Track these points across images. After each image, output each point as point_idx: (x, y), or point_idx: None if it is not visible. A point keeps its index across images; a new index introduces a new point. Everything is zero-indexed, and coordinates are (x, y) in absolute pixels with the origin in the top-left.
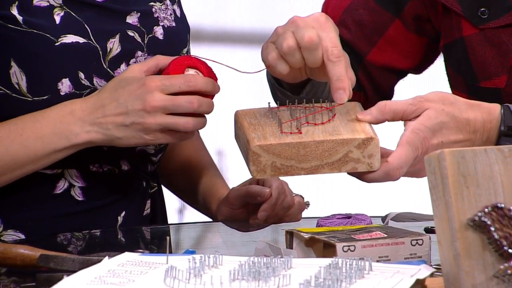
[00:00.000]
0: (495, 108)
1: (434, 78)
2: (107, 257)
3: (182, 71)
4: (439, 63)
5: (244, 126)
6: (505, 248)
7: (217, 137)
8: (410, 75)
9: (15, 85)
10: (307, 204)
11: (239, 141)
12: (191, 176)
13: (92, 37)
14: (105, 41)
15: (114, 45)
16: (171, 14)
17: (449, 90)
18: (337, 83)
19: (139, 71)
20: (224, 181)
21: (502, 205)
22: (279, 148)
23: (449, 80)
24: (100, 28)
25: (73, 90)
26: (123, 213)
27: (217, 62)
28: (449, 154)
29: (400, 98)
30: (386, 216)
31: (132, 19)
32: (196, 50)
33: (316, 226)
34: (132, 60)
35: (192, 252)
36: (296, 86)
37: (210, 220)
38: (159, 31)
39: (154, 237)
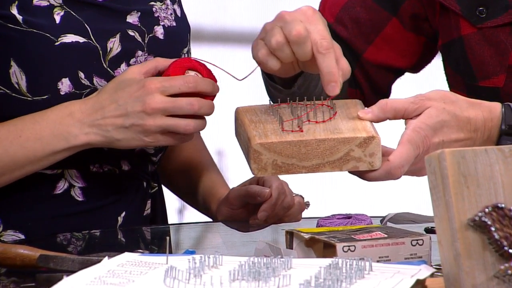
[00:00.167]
0: (496, 107)
1: (433, 77)
2: (107, 257)
3: (182, 73)
4: (438, 62)
5: (245, 123)
6: (506, 248)
7: (217, 137)
8: (408, 74)
9: (15, 85)
10: (307, 204)
11: (239, 138)
12: (191, 176)
13: (92, 37)
14: (105, 40)
15: (114, 45)
16: (171, 14)
17: (447, 89)
18: (328, 76)
19: (138, 73)
20: (224, 181)
21: (503, 205)
22: (280, 146)
23: (447, 79)
24: (100, 27)
25: (73, 90)
26: (123, 213)
27: (215, 65)
28: (449, 154)
29: (398, 97)
30: (384, 217)
31: (132, 18)
32: (196, 50)
33: (316, 226)
34: (133, 60)
35: (192, 252)
36: (288, 80)
37: (210, 220)
38: (159, 31)
39: (154, 237)
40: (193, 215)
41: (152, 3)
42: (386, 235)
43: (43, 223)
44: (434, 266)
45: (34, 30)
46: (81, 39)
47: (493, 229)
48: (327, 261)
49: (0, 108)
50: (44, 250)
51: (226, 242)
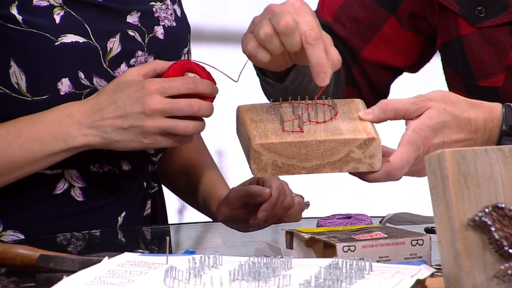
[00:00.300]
0: (497, 107)
1: (432, 77)
2: (106, 257)
3: (181, 75)
4: (437, 62)
5: (246, 123)
6: (506, 248)
7: (217, 137)
8: (407, 74)
9: (14, 85)
10: (307, 204)
11: (240, 137)
12: (191, 176)
13: (92, 37)
14: (105, 40)
15: (114, 45)
16: (171, 14)
17: (446, 89)
18: (317, 67)
19: (137, 75)
20: (224, 181)
21: (503, 205)
22: (281, 147)
23: (446, 79)
24: (100, 27)
25: (73, 90)
26: (124, 213)
27: (213, 67)
28: (449, 154)
29: (397, 97)
30: (383, 218)
31: (132, 18)
32: (196, 50)
33: (316, 226)
34: (133, 60)
35: (192, 252)
36: (280, 75)
37: (210, 220)
38: (159, 31)
39: (154, 237)
40: (193, 215)
41: (152, 3)
42: (386, 235)
43: (43, 223)
44: (434, 266)
45: (34, 30)
46: (81, 39)
47: (493, 229)
48: (327, 261)
49: (0, 108)
50: (44, 250)
51: (226, 242)
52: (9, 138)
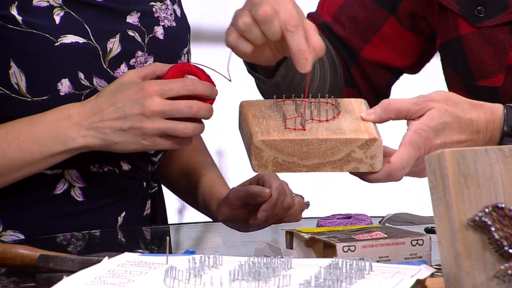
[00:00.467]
0: (498, 108)
1: (432, 77)
2: (106, 257)
3: (181, 78)
4: (436, 62)
5: (248, 119)
6: (506, 248)
7: (217, 137)
8: (406, 74)
9: (14, 86)
10: (307, 204)
11: (242, 132)
12: (191, 177)
13: (92, 37)
14: (105, 41)
15: (114, 45)
16: (171, 14)
17: (446, 90)
18: (298, 54)
19: (136, 77)
20: (224, 181)
21: (503, 205)
22: (282, 144)
23: (446, 79)
24: (100, 28)
25: (73, 91)
26: (123, 213)
27: (211, 68)
28: (449, 154)
29: (397, 97)
30: (383, 218)
31: (132, 18)
32: (196, 50)
33: (316, 226)
34: (132, 60)
35: (192, 252)
36: (272, 71)
37: (210, 220)
38: (159, 31)
39: (154, 237)
40: (193, 215)
41: (152, 3)
42: (386, 235)
43: (43, 223)
44: (434, 266)
45: (34, 31)
46: (81, 40)
47: (493, 229)
48: (327, 261)
49: (0, 109)
50: (44, 250)
51: (226, 242)
52: (8, 139)
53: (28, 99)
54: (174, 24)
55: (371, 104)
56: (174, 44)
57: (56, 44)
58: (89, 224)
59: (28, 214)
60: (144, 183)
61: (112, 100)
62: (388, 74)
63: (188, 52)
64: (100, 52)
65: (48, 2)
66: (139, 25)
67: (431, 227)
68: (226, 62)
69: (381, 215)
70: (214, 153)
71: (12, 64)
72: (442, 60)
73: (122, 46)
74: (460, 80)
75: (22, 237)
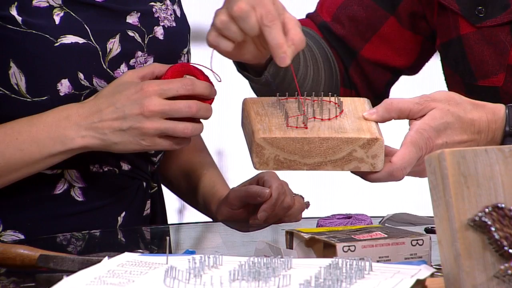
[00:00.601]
0: (500, 109)
1: (431, 77)
2: (106, 257)
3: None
4: (436, 62)
5: (251, 116)
6: (506, 248)
7: (217, 137)
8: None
9: (14, 86)
10: (307, 204)
11: (244, 130)
12: (191, 176)
13: (91, 38)
14: (105, 41)
15: (114, 45)
16: (171, 14)
17: (445, 89)
18: (275, 48)
19: (135, 77)
20: (224, 181)
21: (503, 205)
22: (284, 142)
23: (446, 79)
24: (100, 28)
25: (73, 91)
26: (123, 213)
27: (206, 67)
28: (449, 154)
29: (396, 97)
30: (382, 218)
31: (132, 19)
32: (196, 50)
33: (316, 226)
34: (132, 61)
35: (192, 252)
36: (261, 70)
37: (210, 220)
38: (159, 31)
39: (154, 237)
40: (193, 215)
41: (152, 3)
42: (386, 235)
43: (43, 223)
44: (434, 266)
45: (34, 31)
46: (80, 40)
47: (493, 229)
48: (327, 261)
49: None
50: (44, 250)
51: (226, 242)
52: (7, 140)
53: (28, 100)
54: (174, 24)
55: (371, 104)
56: (174, 44)
57: (56, 44)
58: (89, 224)
59: (28, 214)
60: (144, 183)
61: (111, 100)
62: (387, 73)
63: (188, 52)
64: (100, 53)
65: (48, 2)
66: (139, 25)
67: (431, 227)
68: (227, 62)
69: (381, 215)
70: (214, 153)
71: (12, 64)
72: (442, 60)
73: (122, 46)
74: (460, 80)
75: (22, 237)
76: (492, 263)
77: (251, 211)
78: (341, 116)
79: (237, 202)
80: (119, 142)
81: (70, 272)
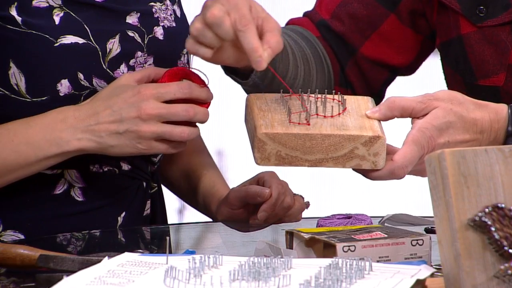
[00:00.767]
0: (503, 108)
1: (431, 77)
2: (106, 257)
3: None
4: (435, 62)
5: (254, 111)
6: (506, 248)
7: (217, 137)
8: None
9: (14, 86)
10: (307, 204)
11: (247, 125)
12: (191, 177)
13: (91, 38)
14: (104, 41)
15: (114, 46)
16: (171, 14)
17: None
18: (251, 52)
19: (131, 80)
20: (224, 181)
21: (503, 205)
22: (285, 137)
23: (446, 79)
24: (100, 28)
25: (73, 91)
26: (123, 213)
27: (203, 73)
28: (449, 154)
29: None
30: (381, 219)
31: (132, 19)
32: None
33: (316, 226)
34: (132, 61)
35: (192, 252)
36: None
37: (210, 220)
38: (159, 31)
39: (154, 237)
40: (193, 215)
41: (152, 3)
42: (386, 235)
43: (43, 223)
44: (434, 266)
45: (33, 31)
46: (80, 40)
47: (493, 229)
48: (327, 261)
49: None
50: (44, 250)
51: (226, 242)
52: (2, 141)
53: (28, 100)
54: (174, 24)
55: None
56: (174, 45)
57: (56, 44)
58: (89, 224)
59: (28, 214)
60: (144, 183)
61: (108, 103)
62: (385, 72)
63: (188, 53)
64: (100, 53)
65: (47, 2)
66: (138, 26)
67: (431, 227)
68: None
69: (381, 215)
70: (214, 153)
71: (11, 64)
72: (442, 59)
73: (121, 47)
74: (461, 80)
75: (22, 237)
76: (492, 263)
77: (251, 211)
78: (344, 113)
79: (237, 202)
80: (115, 145)
81: (70, 272)
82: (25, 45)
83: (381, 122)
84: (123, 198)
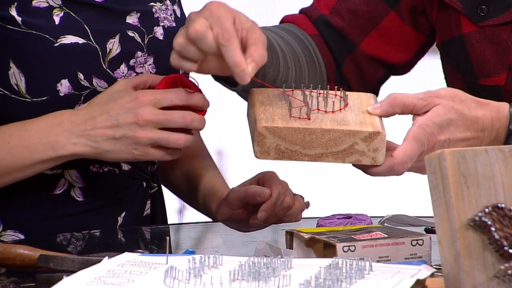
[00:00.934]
0: (504, 107)
1: (431, 76)
2: (106, 257)
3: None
4: (435, 61)
5: (255, 105)
6: (506, 248)
7: (217, 137)
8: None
9: (14, 86)
10: (307, 204)
11: (249, 119)
12: (191, 177)
13: (91, 38)
14: (104, 41)
15: (114, 46)
16: (171, 15)
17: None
18: (233, 66)
19: (128, 86)
20: (224, 181)
21: (503, 205)
22: (285, 131)
23: (446, 78)
24: (100, 28)
25: (73, 91)
26: (123, 213)
27: (197, 83)
28: (449, 154)
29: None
30: (381, 219)
31: (132, 19)
32: None
33: (316, 226)
34: (132, 61)
35: (192, 252)
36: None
37: (210, 220)
38: (159, 32)
39: (154, 237)
40: (193, 215)
41: (152, 3)
42: (386, 235)
43: (43, 223)
44: (434, 266)
45: (33, 31)
46: (80, 40)
47: (493, 229)
48: (327, 261)
49: None
50: (44, 250)
51: (226, 242)
52: None
53: (28, 100)
54: (174, 24)
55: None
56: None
57: (56, 44)
58: (89, 224)
59: (28, 214)
60: (144, 183)
61: (105, 108)
62: (381, 70)
63: None
64: (100, 53)
65: (47, 2)
66: (139, 26)
67: (431, 227)
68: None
69: (381, 215)
70: (214, 153)
71: (11, 64)
72: (442, 58)
73: (121, 47)
74: (462, 79)
75: (22, 237)
76: (492, 263)
77: (251, 211)
78: (345, 109)
79: (237, 202)
80: (111, 151)
81: (70, 272)
82: (25, 45)
83: (383, 118)
84: (123, 198)
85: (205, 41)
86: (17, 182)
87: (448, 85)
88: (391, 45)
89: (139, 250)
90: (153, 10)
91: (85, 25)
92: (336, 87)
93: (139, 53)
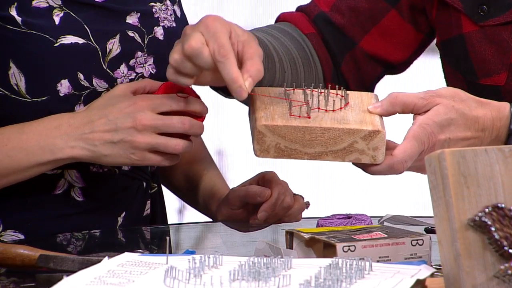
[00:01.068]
0: (505, 107)
1: (430, 76)
2: (106, 257)
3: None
4: (435, 61)
5: (256, 104)
6: (506, 248)
7: (217, 137)
8: (405, 72)
9: (14, 86)
10: (307, 204)
11: (250, 117)
12: (191, 177)
13: (91, 38)
14: (104, 41)
15: (114, 46)
16: (171, 15)
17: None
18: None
19: (127, 91)
20: (224, 181)
21: (503, 205)
22: (285, 130)
23: (446, 77)
24: (100, 28)
25: (73, 91)
26: (123, 213)
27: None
28: (449, 154)
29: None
30: (380, 219)
31: (132, 19)
32: None
33: (316, 226)
34: (132, 61)
35: (192, 252)
36: None
37: (210, 220)
38: (159, 32)
39: (154, 237)
40: (193, 215)
41: (152, 3)
42: (386, 235)
43: (43, 223)
44: (434, 266)
45: (33, 32)
46: (80, 40)
47: (493, 229)
48: (327, 261)
49: None
50: (44, 250)
51: (226, 242)
52: None
53: (28, 100)
54: (174, 24)
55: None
56: (174, 45)
57: (56, 44)
58: (89, 224)
59: (28, 214)
60: (144, 183)
61: (104, 112)
62: (379, 68)
63: None
64: (100, 53)
65: (47, 2)
66: (139, 26)
67: (431, 227)
68: None
69: (381, 215)
70: (214, 153)
71: (11, 65)
72: (441, 58)
73: (121, 47)
74: (462, 79)
75: (22, 237)
76: (492, 263)
77: (251, 211)
78: (346, 108)
79: (237, 202)
80: (108, 155)
81: (70, 272)
82: (25, 45)
83: (383, 117)
84: (123, 198)
85: (201, 57)
86: (17, 183)
87: (448, 85)
88: (390, 43)
89: (139, 250)
90: (153, 10)
91: (85, 25)
92: (337, 86)
93: (139, 53)
